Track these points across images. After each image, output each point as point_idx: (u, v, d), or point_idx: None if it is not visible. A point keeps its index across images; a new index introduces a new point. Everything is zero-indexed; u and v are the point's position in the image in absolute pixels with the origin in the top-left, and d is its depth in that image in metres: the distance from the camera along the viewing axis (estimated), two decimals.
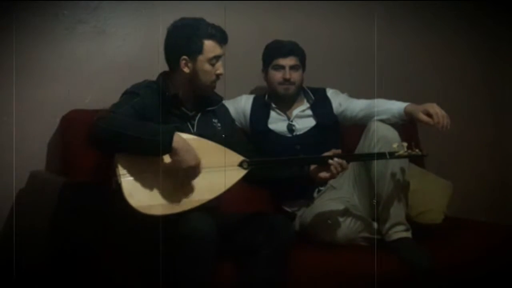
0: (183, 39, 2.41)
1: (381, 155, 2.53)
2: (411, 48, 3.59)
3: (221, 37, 2.42)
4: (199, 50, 2.39)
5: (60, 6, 2.83)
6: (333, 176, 2.45)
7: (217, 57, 2.41)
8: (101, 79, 2.88)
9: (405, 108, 2.64)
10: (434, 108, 2.56)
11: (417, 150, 2.54)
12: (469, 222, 3.04)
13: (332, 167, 2.42)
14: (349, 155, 2.64)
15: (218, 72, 2.43)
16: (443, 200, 2.86)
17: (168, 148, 2.20)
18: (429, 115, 2.56)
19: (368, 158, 2.62)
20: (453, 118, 2.59)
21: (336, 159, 2.43)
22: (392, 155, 2.51)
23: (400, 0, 3.47)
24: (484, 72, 3.79)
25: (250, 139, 2.88)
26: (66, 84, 2.84)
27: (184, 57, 2.40)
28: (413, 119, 2.65)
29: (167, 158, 2.24)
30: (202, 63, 2.40)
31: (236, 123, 2.82)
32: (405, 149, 2.51)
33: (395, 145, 2.51)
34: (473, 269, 2.69)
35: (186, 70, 2.42)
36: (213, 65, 2.41)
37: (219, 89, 2.54)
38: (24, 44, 2.77)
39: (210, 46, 2.40)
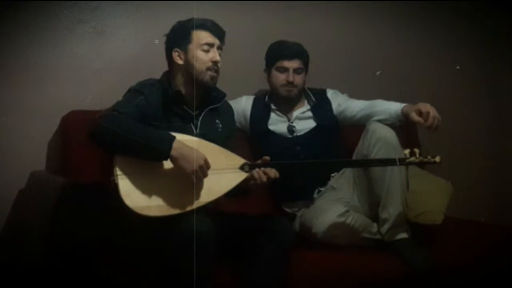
0: (173, 34, 2.46)
1: (391, 162, 2.50)
2: (410, 49, 3.58)
3: (213, 28, 2.43)
4: (188, 39, 2.42)
5: (60, 6, 2.82)
6: (256, 184, 2.35)
7: (209, 44, 2.42)
8: (101, 79, 2.88)
9: (402, 109, 2.64)
10: (427, 108, 2.55)
11: (429, 157, 2.49)
12: (469, 222, 3.04)
13: (255, 173, 2.33)
14: (359, 161, 2.66)
15: (214, 59, 2.41)
16: (443, 201, 2.86)
17: (166, 156, 2.20)
18: (421, 114, 2.56)
19: (379, 164, 2.57)
20: (452, 118, 2.59)
21: (259, 169, 2.32)
22: (403, 161, 2.47)
23: (400, 0, 3.47)
24: (484, 72, 3.79)
25: (250, 140, 2.89)
26: (66, 84, 2.84)
27: (176, 49, 2.44)
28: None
29: (168, 162, 2.23)
30: (193, 51, 2.41)
31: (236, 124, 2.81)
32: (417, 156, 2.47)
33: (406, 151, 2.48)
34: (473, 269, 2.69)
35: (179, 62, 2.43)
36: (206, 51, 2.41)
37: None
38: (24, 44, 2.77)
39: (199, 35, 2.42)
